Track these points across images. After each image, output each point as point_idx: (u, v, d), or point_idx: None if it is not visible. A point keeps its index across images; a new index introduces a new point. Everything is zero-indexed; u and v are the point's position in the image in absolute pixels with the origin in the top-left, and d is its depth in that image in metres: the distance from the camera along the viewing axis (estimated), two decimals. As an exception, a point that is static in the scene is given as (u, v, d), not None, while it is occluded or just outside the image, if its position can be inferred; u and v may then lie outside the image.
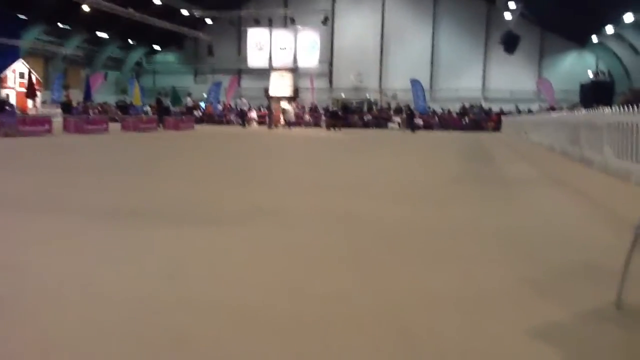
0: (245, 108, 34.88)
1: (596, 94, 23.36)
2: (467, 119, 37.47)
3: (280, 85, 38.41)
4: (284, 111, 35.28)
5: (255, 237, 4.08)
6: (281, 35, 42.33)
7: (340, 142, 20.40)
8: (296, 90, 39.93)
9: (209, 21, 44.12)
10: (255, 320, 2.38)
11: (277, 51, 42.07)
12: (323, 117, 36.67)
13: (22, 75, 33.10)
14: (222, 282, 2.93)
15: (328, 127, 32.79)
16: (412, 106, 37.40)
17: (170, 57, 50.66)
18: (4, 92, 32.77)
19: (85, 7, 32.71)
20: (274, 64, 41.24)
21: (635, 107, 7.98)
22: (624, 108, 8.61)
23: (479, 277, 3.09)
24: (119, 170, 8.96)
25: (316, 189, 6.95)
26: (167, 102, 29.09)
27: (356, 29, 44.13)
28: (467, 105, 40.16)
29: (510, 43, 31.78)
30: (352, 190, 6.88)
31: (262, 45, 42.53)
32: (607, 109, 9.83)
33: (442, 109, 40.32)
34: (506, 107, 38.96)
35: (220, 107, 41.03)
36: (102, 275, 3.00)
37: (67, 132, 19.94)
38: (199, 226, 4.41)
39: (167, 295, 2.68)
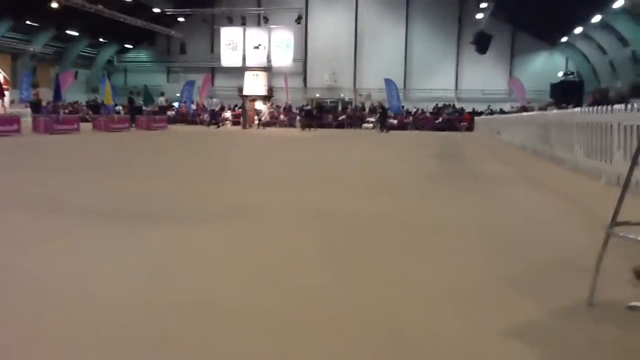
0: (217, 108, 34.57)
1: (566, 93, 23.80)
2: (440, 119, 37.79)
3: (254, 85, 38.29)
4: (257, 112, 35.11)
5: (233, 235, 4.06)
6: (255, 34, 42.18)
7: (315, 141, 20.42)
8: (270, 90, 39.84)
9: (181, 19, 43.72)
10: (236, 318, 2.36)
11: (251, 50, 41.90)
12: (298, 117, 36.58)
13: (-11, 74, 32.36)
14: (203, 280, 2.91)
15: (303, 127, 32.71)
16: (387, 105, 37.61)
17: (142, 55, 50.06)
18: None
19: (54, 4, 32.09)
20: (248, 63, 41.07)
21: (602, 106, 8.15)
22: (592, 108, 8.78)
23: (455, 274, 3.11)
24: (91, 170, 8.81)
25: (292, 187, 6.93)
26: (139, 101, 28.73)
27: (330, 28, 44.20)
28: (440, 105, 40.50)
29: (482, 43, 32.16)
30: (328, 187, 6.88)
31: (235, 44, 42.31)
32: (576, 109, 10.02)
33: (415, 108, 40.58)
34: (479, 107, 39.39)
35: (194, 106, 40.69)
36: (82, 275, 2.95)
37: (37, 132, 19.57)
38: (176, 225, 4.36)
39: (147, 294, 2.65)
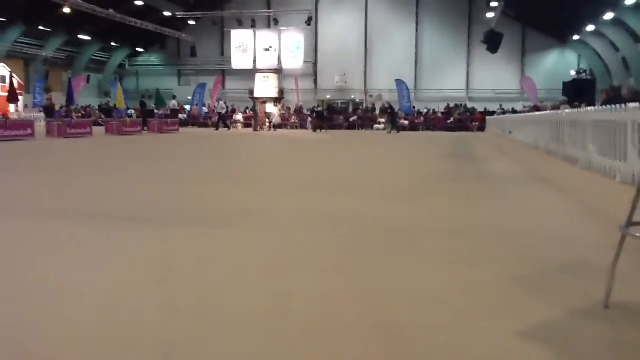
0: (224, 111, 34.59)
1: (578, 91, 23.58)
2: (452, 119, 37.62)
3: (265, 87, 38.31)
4: (268, 115, 35.18)
5: (242, 238, 4.05)
6: (265, 36, 42.22)
7: (327, 143, 20.42)
8: (281, 92, 39.87)
9: (191, 22, 43.91)
10: (243, 323, 2.35)
11: (261, 52, 41.95)
12: (309, 119, 36.59)
13: (3, 79, 32.67)
14: (211, 284, 2.90)
15: (314, 128, 32.72)
16: (397, 107, 37.56)
17: (153, 59, 50.39)
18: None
19: (66, 9, 32.38)
20: (259, 66, 41.11)
21: (616, 104, 8.07)
22: (605, 106, 8.71)
23: (469, 275, 3.09)
24: (105, 173, 8.87)
25: (303, 190, 6.92)
26: (151, 104, 28.90)
27: (340, 29, 44.21)
28: (451, 105, 40.33)
29: (493, 42, 31.97)
30: (339, 189, 6.86)
31: (245, 46, 42.39)
32: (590, 108, 9.94)
33: (427, 109, 40.43)
34: (490, 107, 39.16)
35: (205, 109, 40.83)
36: (90, 278, 2.95)
37: (50, 136, 19.74)
38: (186, 227, 4.36)
39: (155, 298, 2.65)
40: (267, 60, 41.54)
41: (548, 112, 15.56)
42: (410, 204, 5.89)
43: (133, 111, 32.83)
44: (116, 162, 11.35)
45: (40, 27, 38.77)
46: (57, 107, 26.94)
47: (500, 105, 38.91)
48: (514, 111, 35.11)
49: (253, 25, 41.66)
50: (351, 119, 38.79)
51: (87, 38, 42.43)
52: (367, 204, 5.79)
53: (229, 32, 43.21)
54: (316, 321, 2.41)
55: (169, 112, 33.32)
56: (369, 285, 2.93)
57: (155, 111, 29.26)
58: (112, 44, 46.16)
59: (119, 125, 23.87)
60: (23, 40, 39.26)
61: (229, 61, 43.66)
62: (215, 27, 43.90)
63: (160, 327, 2.33)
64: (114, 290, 2.81)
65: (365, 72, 44.61)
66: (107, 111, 35.86)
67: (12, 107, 31.07)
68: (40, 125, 22.95)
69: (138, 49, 48.92)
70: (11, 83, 28.36)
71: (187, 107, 41.48)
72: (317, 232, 4.37)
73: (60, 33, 40.34)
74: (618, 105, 7.97)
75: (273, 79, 38.42)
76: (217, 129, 32.55)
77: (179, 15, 42.26)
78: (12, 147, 14.60)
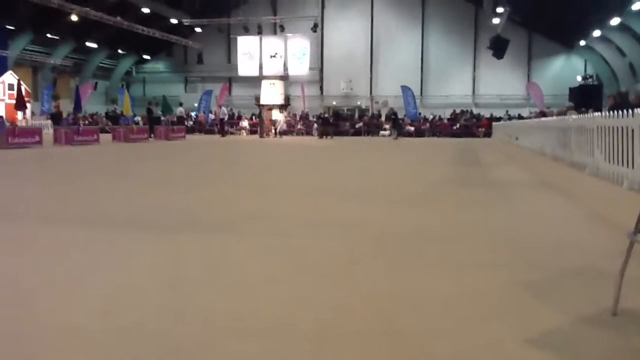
0: (225, 117, 34.57)
1: (585, 97, 23.53)
2: (457, 125, 37.58)
3: (271, 94, 38.42)
4: (274, 121, 35.25)
5: (248, 244, 4.06)
6: (271, 43, 42.38)
7: (333, 149, 20.43)
8: (287, 98, 39.96)
9: (197, 29, 44.12)
10: (250, 328, 2.36)
11: (267, 59, 42.09)
12: (315, 125, 36.61)
13: (11, 87, 32.87)
14: (219, 290, 2.91)
15: (320, 135, 32.75)
16: (403, 113, 37.62)
17: (160, 66, 50.61)
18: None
19: (74, 17, 32.60)
20: (265, 72, 41.25)
21: (623, 110, 8.05)
22: (612, 111, 8.68)
23: (477, 282, 3.08)
24: (111, 180, 8.91)
25: (309, 196, 6.93)
26: (157, 111, 29.00)
27: (346, 36, 44.29)
28: (457, 111, 40.27)
29: (499, 48, 31.95)
30: (346, 195, 6.86)
31: (252, 53, 42.54)
32: (596, 113, 9.91)
33: (432, 115, 40.39)
34: (496, 112, 39.04)
35: (212, 116, 40.97)
36: (94, 282, 2.97)
37: (58, 144, 19.84)
38: (193, 233, 4.37)
39: (163, 303, 2.65)
40: (273, 67, 41.68)
41: (554, 117, 15.52)
42: (418, 209, 5.88)
43: (139, 118, 32.95)
44: (121, 169, 11.39)
45: (48, 35, 39.06)
46: (64, 115, 27.07)
47: (507, 111, 38.79)
48: (520, 117, 35.01)
49: (259, 32, 41.82)
50: (357, 126, 38.79)
51: (94, 45, 42.66)
52: (375, 209, 5.79)
53: (235, 39, 43.39)
54: (323, 327, 2.42)
55: (175, 119, 33.42)
56: (377, 291, 2.93)
57: (162, 118, 29.35)
58: (119, 51, 46.41)
59: (125, 132, 23.97)
60: (31, 48, 39.58)
61: (235, 68, 43.82)
62: (222, 34, 44.07)
63: (166, 332, 2.33)
64: (118, 295, 2.82)
65: (371, 78, 44.64)
66: (114, 118, 35.99)
67: (19, 115, 31.26)
68: (48, 132, 23.08)
69: (145, 56, 49.16)
70: (19, 91, 28.50)
71: (194, 114, 41.59)
72: (324, 238, 4.37)
73: (68, 41, 40.61)
74: (625, 111, 7.94)
75: (279, 85, 38.53)
76: (222, 136, 32.62)
77: (186, 22, 42.47)
78: (20, 155, 14.69)
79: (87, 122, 34.13)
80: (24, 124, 29.47)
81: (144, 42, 43.39)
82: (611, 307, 2.55)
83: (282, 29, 41.67)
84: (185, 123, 35.11)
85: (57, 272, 3.33)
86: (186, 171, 10.96)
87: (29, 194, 7.06)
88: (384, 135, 34.40)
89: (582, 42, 38.48)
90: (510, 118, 36.01)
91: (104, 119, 38.67)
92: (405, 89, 39.13)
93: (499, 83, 41.92)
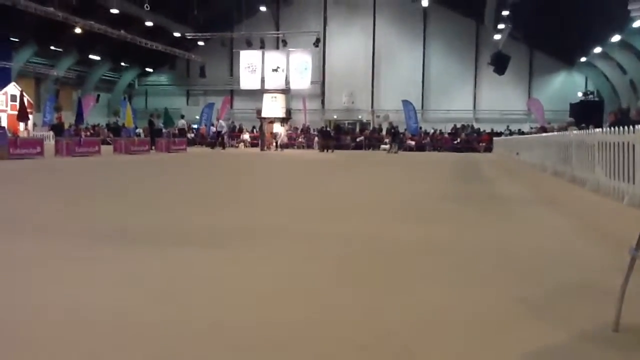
0: (223, 130, 34.63)
1: (586, 113, 23.60)
2: (458, 140, 37.66)
3: (272, 107, 38.58)
4: (275, 134, 35.34)
5: (249, 259, 4.04)
6: (273, 57, 42.59)
7: (334, 163, 20.45)
8: (288, 112, 40.11)
9: (200, 42, 44.37)
10: (251, 343, 2.34)
11: (269, 73, 42.28)
12: (316, 139, 36.69)
13: (13, 98, 33.01)
14: (218, 305, 2.89)
15: (321, 148, 32.81)
16: (404, 127, 37.76)
17: (162, 79, 50.86)
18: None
19: (77, 29, 32.81)
20: (266, 86, 41.43)
21: (623, 126, 8.06)
22: (613, 128, 8.69)
23: (476, 298, 3.06)
24: (111, 192, 8.91)
25: (309, 210, 6.92)
26: (159, 123, 29.09)
27: (347, 50, 44.54)
28: (458, 125, 40.38)
29: (500, 64, 32.11)
30: (347, 210, 6.85)
31: (254, 67, 42.75)
32: (597, 129, 9.93)
33: (433, 129, 40.48)
34: (497, 128, 39.17)
35: (213, 129, 41.05)
36: (96, 299, 2.95)
37: (59, 155, 19.87)
38: (192, 248, 4.35)
39: (162, 318, 2.64)
40: (275, 81, 41.86)
41: (555, 133, 15.54)
42: (420, 224, 5.87)
43: (141, 130, 33.05)
44: (125, 181, 11.38)
45: (52, 47, 39.31)
46: (66, 126, 27.16)
47: (507, 126, 38.91)
48: (520, 132, 35.11)
49: (262, 46, 42.05)
50: (358, 139, 38.89)
51: (97, 58, 42.92)
52: (377, 224, 5.77)
53: (238, 53, 43.62)
54: (324, 343, 2.40)
55: (177, 132, 33.50)
56: (378, 307, 2.92)
57: (163, 130, 29.43)
58: (122, 63, 46.65)
59: (127, 144, 24.02)
60: (35, 60, 39.83)
61: (238, 81, 44.02)
62: (225, 48, 44.32)
63: (164, 347, 2.31)
64: (118, 309, 2.80)
65: (373, 92, 44.82)
66: (115, 130, 36.11)
67: (21, 126, 31.39)
68: (49, 143, 23.13)
69: (147, 69, 49.40)
70: (21, 102, 28.66)
71: (195, 126, 41.70)
72: (326, 252, 4.35)
73: (71, 53, 40.89)
74: (625, 127, 7.95)
75: (281, 99, 38.72)
76: (223, 148, 32.63)
77: (189, 36, 42.73)
78: (22, 165, 14.71)
79: (88, 133, 34.23)
80: (25, 135, 29.58)
81: (147, 55, 43.64)
82: (612, 323, 2.54)
83: (285, 43, 41.90)
84: (187, 135, 35.17)
85: (51, 286, 3.31)
86: (186, 184, 10.95)
87: (23, 205, 7.05)
88: (384, 149, 34.45)
89: (583, 59, 38.69)
90: (511, 133, 36.11)
91: (106, 130, 38.79)
92: (406, 103, 39.28)
93: (500, 98, 42.07)
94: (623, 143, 7.96)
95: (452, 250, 4.48)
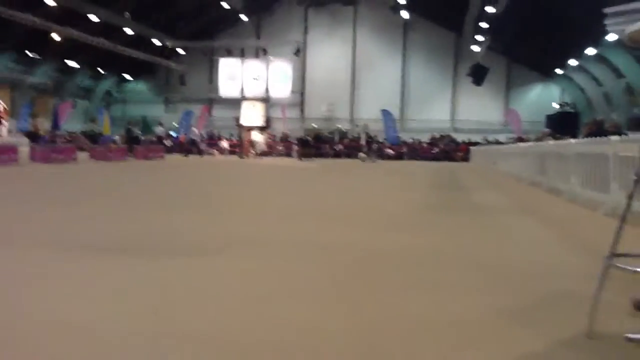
0: (197, 139, 34.41)
1: (562, 124, 23.94)
2: (437, 149, 37.97)
3: (251, 115, 38.50)
4: (253, 143, 35.27)
5: (231, 268, 3.99)
6: (253, 66, 42.63)
7: (313, 172, 20.45)
8: (268, 120, 40.06)
9: (181, 51, 44.19)
10: (241, 354, 2.31)
11: (249, 81, 42.27)
12: (295, 147, 36.74)
13: (-12, 104, 32.43)
14: (203, 315, 2.84)
15: (300, 157, 32.85)
16: (383, 137, 38.04)
17: (141, 87, 50.46)
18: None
19: (56, 36, 32.45)
20: (246, 94, 41.42)
21: (598, 137, 8.19)
22: (588, 138, 8.83)
23: (454, 307, 3.06)
24: (90, 199, 8.77)
25: (289, 218, 6.88)
26: (136, 131, 28.86)
27: (328, 60, 44.73)
28: (437, 135, 40.73)
29: (478, 75, 32.56)
30: (326, 219, 6.83)
31: (234, 75, 42.72)
32: (573, 140, 10.08)
33: (412, 139, 40.78)
34: (475, 138, 39.61)
35: (189, 135, 40.82)
36: (79, 311, 2.89)
37: (34, 162, 19.56)
38: (173, 257, 4.29)
39: (148, 329, 2.59)
40: (254, 89, 41.89)
41: (532, 143, 15.74)
42: (398, 233, 5.87)
43: (118, 137, 32.73)
44: (103, 189, 11.23)
45: (29, 54, 38.77)
46: (41, 133, 26.78)
47: (485, 137, 39.37)
48: (497, 142, 35.53)
49: (242, 55, 42.03)
50: (337, 148, 39.01)
51: (76, 65, 42.43)
52: (357, 233, 5.76)
53: (218, 61, 43.54)
54: (313, 352, 2.38)
55: (155, 139, 33.28)
56: (360, 315, 2.90)
57: (141, 137, 29.20)
58: (101, 71, 46.17)
59: (103, 151, 23.76)
60: (11, 66, 39.19)
61: (217, 89, 43.92)
62: (205, 56, 44.20)
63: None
64: (101, 324, 2.75)
65: (352, 102, 45.03)
66: (92, 137, 35.71)
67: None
68: (24, 150, 22.76)
69: (126, 77, 48.99)
70: (-5, 108, 28.16)
71: (173, 134, 41.42)
72: (308, 262, 4.32)
73: (49, 60, 40.35)
74: (600, 138, 8.09)
75: (260, 107, 38.68)
76: (188, 155, 32.48)
77: (169, 44, 42.53)
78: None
79: (65, 140, 33.78)
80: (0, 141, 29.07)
81: (126, 63, 43.30)
82: (587, 330, 2.55)
83: (265, 52, 41.95)
84: (165, 142, 34.93)
85: (33, 299, 3.24)
86: (164, 192, 10.84)
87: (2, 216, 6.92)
88: (362, 158, 34.61)
89: (560, 71, 39.33)
90: (488, 143, 36.51)
91: (83, 137, 38.31)
92: (385, 112, 39.53)
93: (477, 109, 42.57)
94: (598, 154, 8.09)
95: (430, 259, 4.49)
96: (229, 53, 42.10)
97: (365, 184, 14.59)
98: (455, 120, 44.02)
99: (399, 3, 37.00)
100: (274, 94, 42.32)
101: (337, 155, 37.92)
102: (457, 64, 43.21)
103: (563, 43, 31.35)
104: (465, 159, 35.36)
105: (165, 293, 3.26)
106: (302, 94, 45.51)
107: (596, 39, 29.29)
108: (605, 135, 8.07)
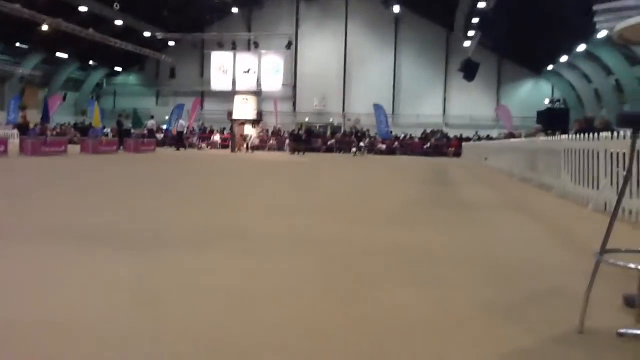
0: (184, 131, 34.21)
1: (552, 120, 24.07)
2: (428, 144, 38.06)
3: (243, 109, 38.44)
4: (245, 136, 35.17)
5: (221, 263, 3.99)
6: (245, 59, 42.48)
7: (305, 166, 20.44)
8: (260, 114, 40.01)
9: (171, 43, 43.93)
10: (235, 353, 2.31)
11: (241, 74, 42.14)
12: (287, 141, 36.70)
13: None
14: (192, 310, 2.85)
15: (292, 151, 32.82)
16: (375, 131, 38.09)
17: (131, 79, 50.16)
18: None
19: (44, 27, 32.16)
20: (238, 87, 41.28)
21: (589, 134, 8.25)
22: (578, 135, 8.89)
23: (444, 302, 3.09)
24: (79, 191, 8.73)
25: (280, 212, 6.89)
26: (127, 124, 28.69)
27: (319, 54, 44.63)
28: (428, 130, 40.82)
29: (469, 70, 32.62)
30: (317, 213, 6.84)
31: (225, 68, 42.55)
32: (563, 136, 10.14)
33: (404, 133, 40.85)
34: (466, 133, 39.76)
35: (176, 128, 40.60)
36: (69, 305, 2.88)
37: (24, 154, 19.42)
38: (162, 250, 4.28)
39: (137, 323, 2.59)
40: (246, 82, 41.75)
41: (523, 139, 15.82)
42: (388, 229, 5.89)
43: (109, 130, 32.57)
44: (93, 181, 11.17)
45: (18, 45, 38.41)
46: (31, 125, 26.58)
47: (476, 132, 39.50)
48: (489, 138, 35.67)
49: (233, 48, 41.85)
50: (329, 142, 39.00)
51: (65, 56, 42.07)
52: (349, 227, 5.78)
53: (209, 54, 43.35)
54: (310, 350, 2.39)
55: (146, 132, 33.09)
56: (351, 312, 2.91)
57: (132, 131, 29.03)
58: (90, 63, 45.83)
59: (94, 143, 23.61)
60: (0, 58, 38.85)
61: (208, 82, 43.74)
62: (195, 49, 43.99)
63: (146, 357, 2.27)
64: (92, 317, 2.75)
65: (344, 96, 45.00)
66: (83, 130, 35.50)
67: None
68: (13, 142, 22.59)
69: (116, 69, 48.67)
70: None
71: (164, 127, 41.22)
72: (301, 256, 4.33)
73: (38, 51, 39.99)
74: (590, 135, 8.15)
75: (252, 100, 38.61)
76: (184, 148, 32.37)
77: (159, 36, 42.26)
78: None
79: (55, 132, 33.56)
80: (-12, 133, 28.84)
81: (116, 55, 43.00)
82: (577, 326, 2.58)
83: (256, 45, 41.83)
84: (156, 136, 34.75)
85: (22, 292, 3.23)
86: (155, 185, 10.81)
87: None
88: (354, 153, 34.69)
89: (550, 67, 39.53)
90: (479, 138, 36.64)
91: (73, 130, 38.08)
92: (377, 107, 39.55)
93: (469, 104, 42.69)
94: (588, 150, 8.16)
95: (421, 254, 4.51)
96: (220, 46, 41.90)
97: (357, 179, 14.60)
98: (446, 115, 44.13)
99: (390, -3, 37.02)
100: (266, 87, 42.21)
101: (329, 149, 37.90)
102: (449, 59, 43.29)
103: (553, 40, 31.48)
104: (457, 154, 35.47)
105: (150, 286, 3.26)
106: (294, 87, 45.42)
107: (586, 35, 29.47)
108: (595, 132, 8.13)
